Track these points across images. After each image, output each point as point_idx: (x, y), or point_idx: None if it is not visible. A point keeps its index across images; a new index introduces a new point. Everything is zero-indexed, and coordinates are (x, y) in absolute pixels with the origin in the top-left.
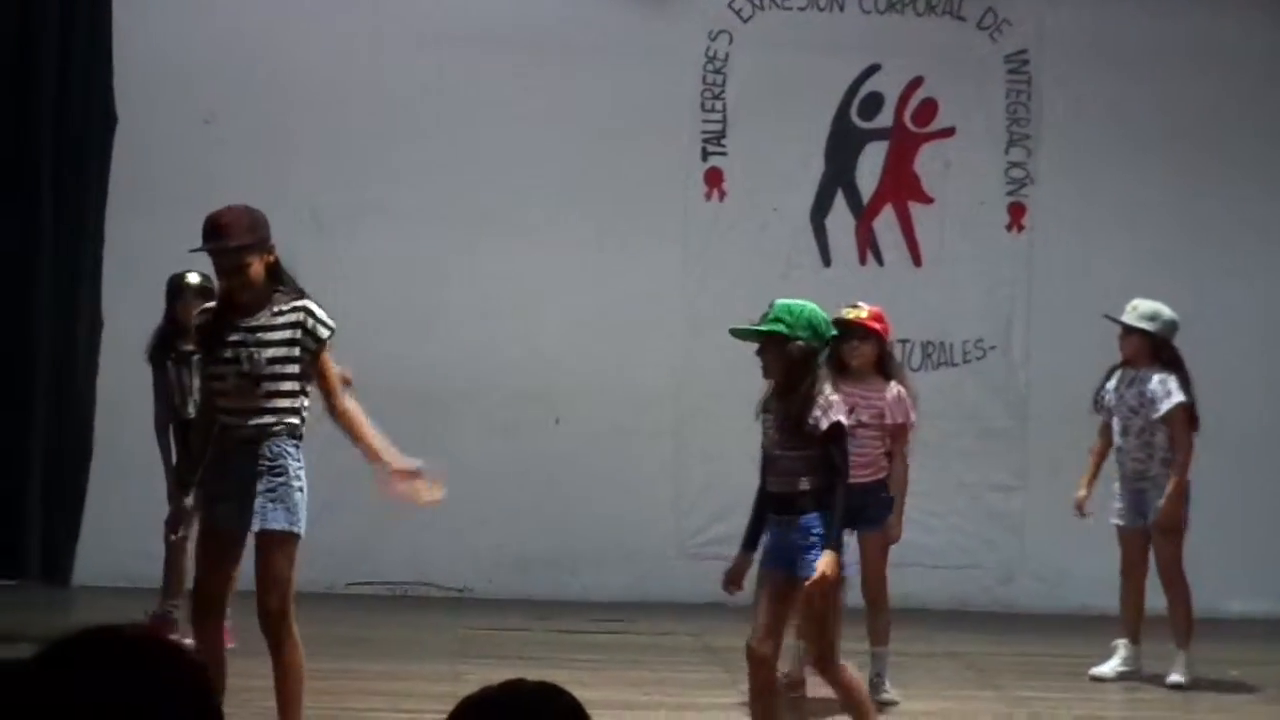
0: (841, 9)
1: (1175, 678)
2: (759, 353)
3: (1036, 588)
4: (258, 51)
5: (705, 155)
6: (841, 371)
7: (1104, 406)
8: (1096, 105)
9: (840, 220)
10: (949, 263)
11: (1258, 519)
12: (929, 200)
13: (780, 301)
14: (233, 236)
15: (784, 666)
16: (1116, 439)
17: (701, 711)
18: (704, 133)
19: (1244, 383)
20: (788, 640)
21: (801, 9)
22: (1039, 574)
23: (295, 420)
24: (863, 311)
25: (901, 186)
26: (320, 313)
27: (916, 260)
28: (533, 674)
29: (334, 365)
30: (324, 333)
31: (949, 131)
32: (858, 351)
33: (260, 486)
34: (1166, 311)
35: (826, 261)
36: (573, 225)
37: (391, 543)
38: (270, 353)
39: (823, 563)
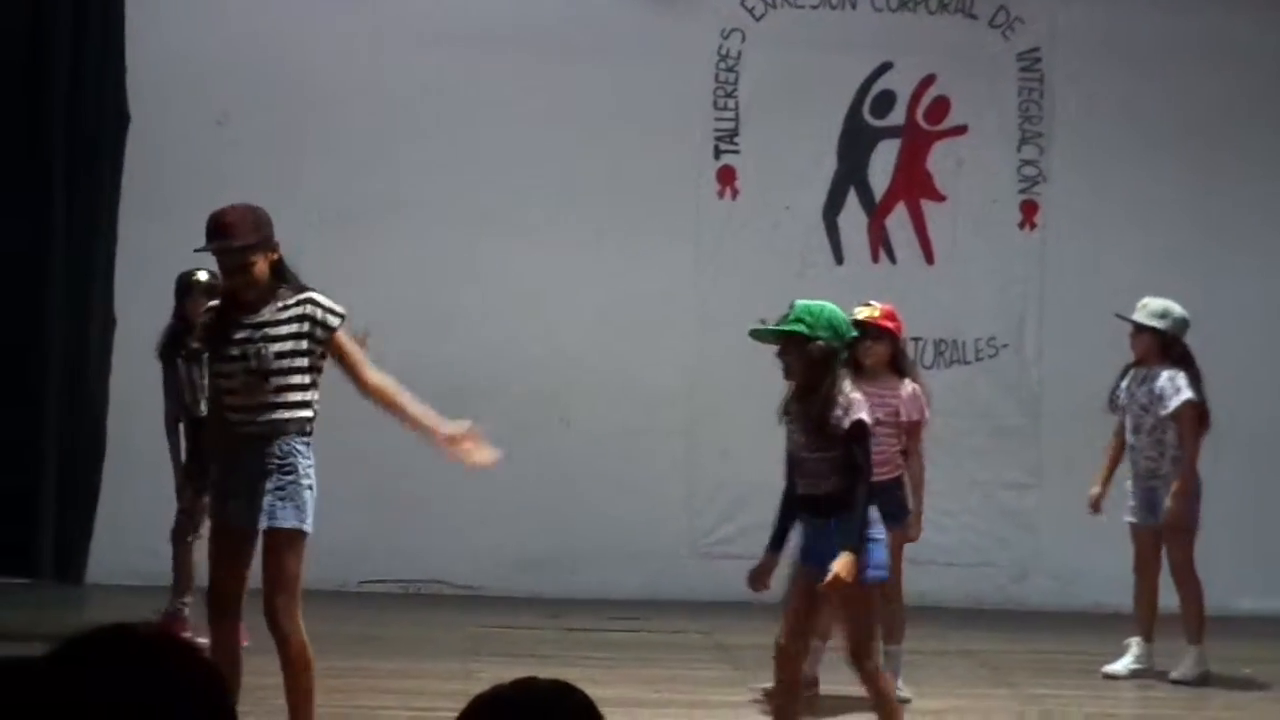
0: (854, 7)
1: (1178, 673)
2: (780, 354)
3: (1050, 585)
4: (271, 52)
5: (718, 153)
6: (855, 371)
7: (1118, 406)
8: (1109, 103)
9: (853, 218)
10: (961, 260)
11: (1270, 516)
12: (941, 198)
13: (800, 302)
14: (238, 236)
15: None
16: (1129, 437)
17: (713, 709)
18: (716, 131)
19: (1256, 380)
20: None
21: (814, 7)
22: (1052, 572)
23: (307, 413)
24: (875, 310)
25: (914, 184)
26: (326, 301)
27: (929, 258)
28: (545, 672)
29: (351, 343)
30: (334, 320)
31: (961, 129)
32: (871, 351)
33: (270, 484)
34: (1177, 309)
35: (839, 259)
36: (585, 224)
37: (403, 541)
38: (277, 347)
39: (839, 564)
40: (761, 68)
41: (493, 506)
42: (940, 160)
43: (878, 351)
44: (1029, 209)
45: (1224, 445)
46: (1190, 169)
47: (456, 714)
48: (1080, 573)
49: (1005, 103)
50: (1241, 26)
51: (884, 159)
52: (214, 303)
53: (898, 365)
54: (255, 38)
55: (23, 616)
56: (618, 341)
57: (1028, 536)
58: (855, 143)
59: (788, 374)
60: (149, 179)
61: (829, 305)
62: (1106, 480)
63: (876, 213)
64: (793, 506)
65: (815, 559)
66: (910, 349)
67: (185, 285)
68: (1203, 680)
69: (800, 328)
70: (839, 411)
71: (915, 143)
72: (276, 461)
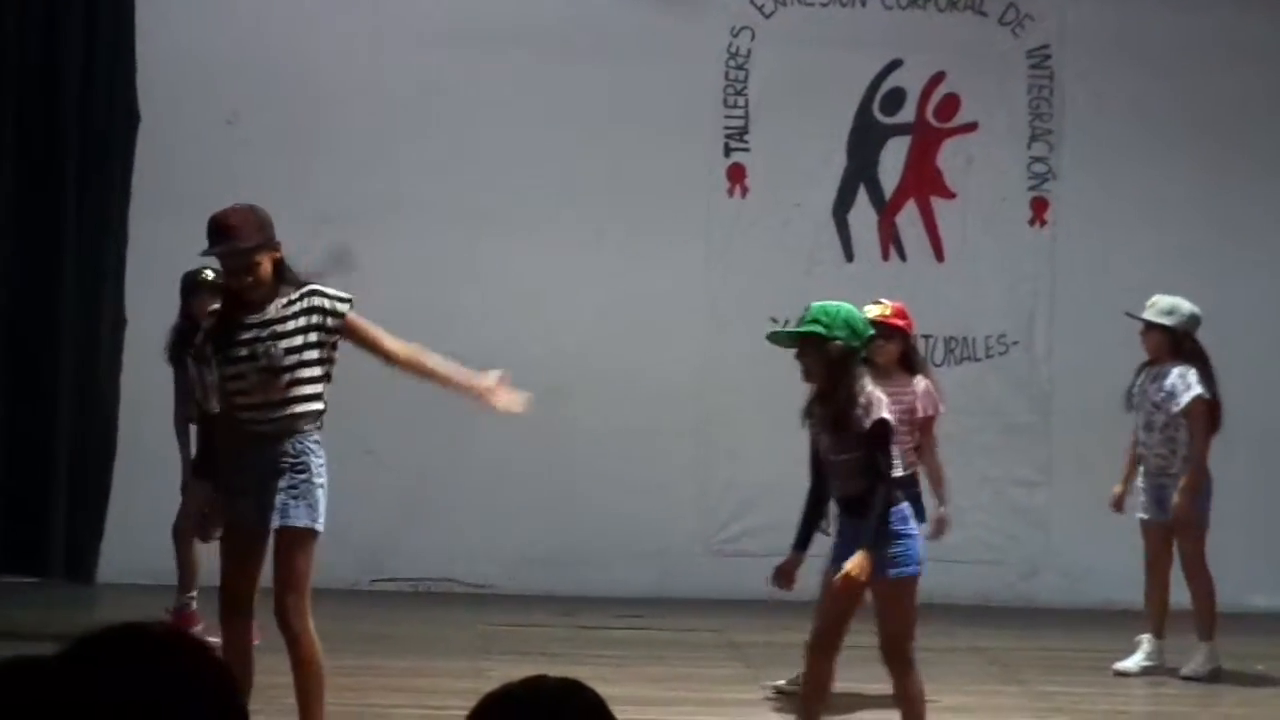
0: (864, 4)
1: (1189, 670)
2: (799, 356)
3: (1060, 582)
4: (281, 51)
5: (728, 151)
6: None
7: (1134, 405)
8: (1119, 100)
9: (863, 216)
10: (971, 258)
11: None
12: (951, 195)
13: (816, 304)
14: (243, 238)
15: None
16: (1141, 434)
17: (724, 707)
18: (726, 129)
19: (1268, 377)
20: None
21: (824, 4)
22: (1063, 569)
23: (318, 406)
24: (886, 309)
25: (924, 182)
26: (331, 290)
27: (939, 255)
28: (555, 670)
29: (364, 321)
30: (344, 306)
31: (971, 127)
32: (882, 349)
33: (282, 483)
34: (1186, 305)
35: (849, 257)
36: (594, 222)
37: (415, 539)
38: (287, 343)
39: (851, 563)
40: (771, 65)
41: (503, 505)
42: (950, 158)
43: (889, 350)
44: (1039, 206)
45: (1236, 442)
46: (1201, 166)
47: (467, 712)
48: (1091, 570)
49: (1015, 100)
50: (1253, 24)
51: (894, 156)
52: (215, 306)
53: (909, 363)
54: (266, 38)
55: (33, 616)
56: (627, 340)
57: (1038, 533)
58: (865, 140)
59: (807, 376)
60: (159, 178)
61: (845, 305)
62: (1128, 479)
63: (886, 210)
64: (817, 506)
65: (844, 559)
66: (921, 346)
67: (191, 284)
68: (1214, 677)
69: (817, 329)
70: (859, 411)
71: (925, 140)
72: (290, 460)
